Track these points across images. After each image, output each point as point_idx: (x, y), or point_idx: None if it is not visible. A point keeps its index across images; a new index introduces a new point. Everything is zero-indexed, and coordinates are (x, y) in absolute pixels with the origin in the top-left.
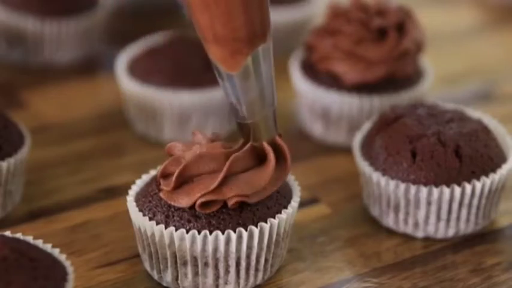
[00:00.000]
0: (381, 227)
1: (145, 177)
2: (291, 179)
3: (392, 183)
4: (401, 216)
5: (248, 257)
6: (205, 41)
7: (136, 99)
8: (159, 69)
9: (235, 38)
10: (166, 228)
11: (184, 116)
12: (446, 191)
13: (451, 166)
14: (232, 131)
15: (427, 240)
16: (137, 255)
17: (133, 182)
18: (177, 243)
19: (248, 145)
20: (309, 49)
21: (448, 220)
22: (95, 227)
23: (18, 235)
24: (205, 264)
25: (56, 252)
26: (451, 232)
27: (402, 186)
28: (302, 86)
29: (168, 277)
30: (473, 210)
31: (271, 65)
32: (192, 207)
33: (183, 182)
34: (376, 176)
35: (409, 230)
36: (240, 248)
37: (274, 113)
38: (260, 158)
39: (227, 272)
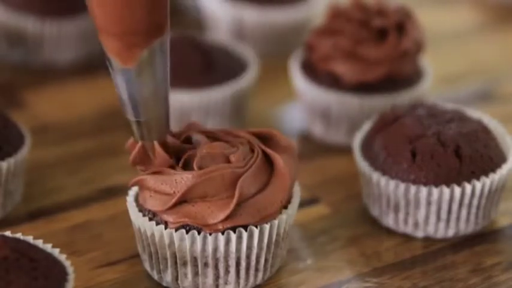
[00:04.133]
0: (381, 227)
1: None
2: None
3: (392, 183)
4: (401, 216)
5: (248, 257)
6: (100, 32)
7: None
8: None
9: (132, 31)
10: (166, 228)
11: (184, 116)
12: (446, 191)
13: (451, 166)
14: None
15: (427, 240)
16: (137, 255)
17: None
18: (177, 243)
19: (257, 159)
20: (309, 49)
21: (448, 220)
22: (95, 227)
23: (18, 235)
24: (205, 264)
25: (56, 252)
26: (451, 232)
27: (402, 186)
28: (302, 86)
29: (168, 277)
30: (473, 210)
31: (167, 61)
32: None
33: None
34: (376, 176)
35: (409, 230)
36: (240, 248)
37: (168, 112)
38: (270, 166)
39: (227, 272)
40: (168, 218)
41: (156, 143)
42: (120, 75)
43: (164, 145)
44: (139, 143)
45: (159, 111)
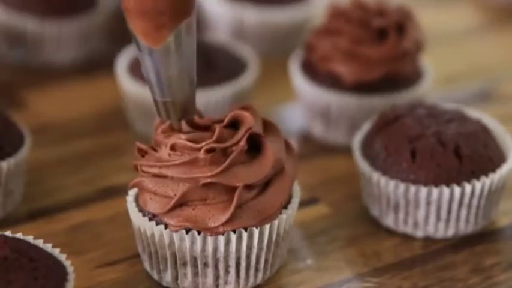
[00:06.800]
0: (381, 227)
1: None
2: None
3: (392, 183)
4: (401, 216)
5: (248, 257)
6: (127, 13)
7: (136, 99)
8: None
9: (160, 11)
10: (166, 228)
11: None
12: (445, 191)
13: (451, 166)
14: None
15: (427, 240)
16: (137, 255)
17: None
18: (177, 243)
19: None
20: (309, 49)
21: (447, 220)
22: (95, 227)
23: (18, 235)
24: (205, 264)
25: (56, 252)
26: (450, 232)
27: (402, 186)
28: (302, 86)
29: (168, 277)
30: (473, 210)
31: (193, 42)
32: None
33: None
34: (376, 176)
35: (408, 229)
36: (240, 248)
37: (194, 93)
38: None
39: (227, 272)
40: (169, 221)
41: (183, 122)
42: (147, 55)
43: (192, 124)
44: (167, 123)
45: (186, 91)
